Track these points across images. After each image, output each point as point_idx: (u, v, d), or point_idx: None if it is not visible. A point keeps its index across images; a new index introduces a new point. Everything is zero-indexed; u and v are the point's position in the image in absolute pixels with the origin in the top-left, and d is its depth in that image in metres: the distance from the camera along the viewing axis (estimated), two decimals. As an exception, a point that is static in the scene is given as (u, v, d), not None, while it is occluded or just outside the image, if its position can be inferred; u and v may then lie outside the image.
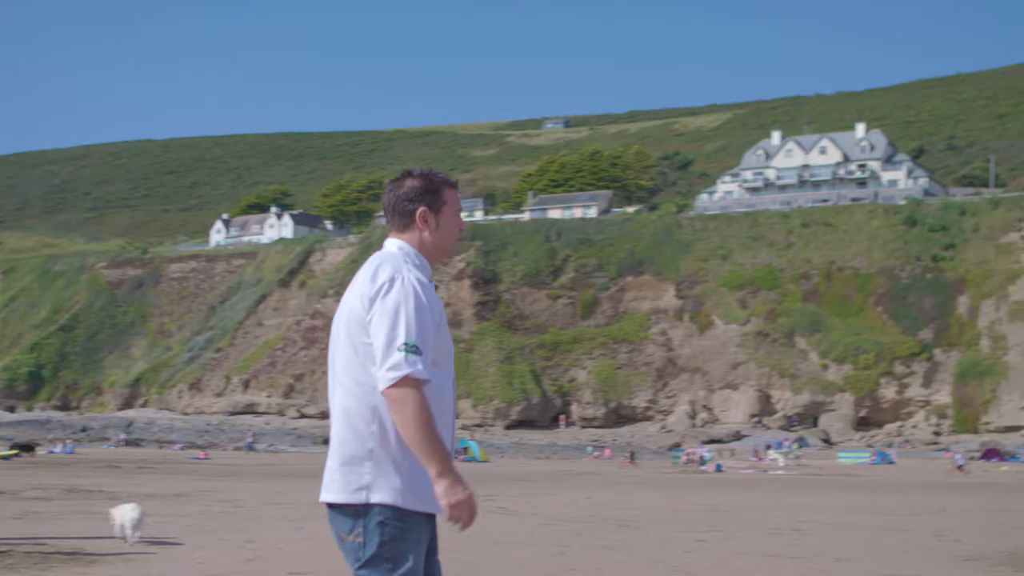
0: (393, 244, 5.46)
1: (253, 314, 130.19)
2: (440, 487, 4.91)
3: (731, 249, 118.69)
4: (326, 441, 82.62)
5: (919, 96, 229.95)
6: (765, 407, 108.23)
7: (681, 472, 53.00)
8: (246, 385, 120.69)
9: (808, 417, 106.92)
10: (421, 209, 5.41)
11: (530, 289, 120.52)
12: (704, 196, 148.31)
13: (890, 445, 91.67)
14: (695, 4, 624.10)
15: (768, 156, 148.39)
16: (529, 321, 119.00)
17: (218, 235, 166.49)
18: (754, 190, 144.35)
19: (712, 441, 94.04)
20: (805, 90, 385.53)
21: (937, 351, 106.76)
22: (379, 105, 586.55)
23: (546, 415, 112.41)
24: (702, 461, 62.36)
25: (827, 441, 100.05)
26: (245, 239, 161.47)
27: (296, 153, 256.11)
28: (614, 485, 38.25)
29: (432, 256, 5.48)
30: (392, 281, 5.12)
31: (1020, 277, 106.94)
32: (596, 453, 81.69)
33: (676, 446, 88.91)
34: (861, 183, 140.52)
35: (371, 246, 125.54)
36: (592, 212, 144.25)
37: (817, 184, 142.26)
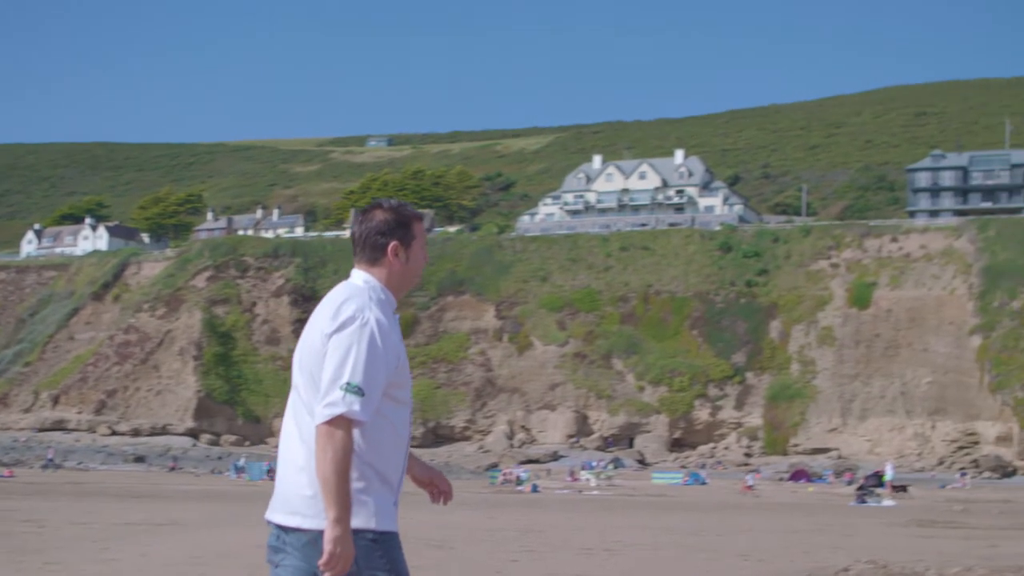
0: (359, 277, 5.54)
1: (64, 328, 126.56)
2: (332, 532, 4.97)
3: (551, 271, 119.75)
4: (139, 459, 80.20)
5: (736, 125, 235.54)
6: (582, 428, 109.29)
7: (497, 492, 53.12)
8: (55, 401, 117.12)
9: (624, 438, 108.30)
10: (393, 243, 5.50)
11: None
12: (525, 218, 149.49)
13: (703, 466, 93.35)
14: (519, 27, 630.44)
15: (589, 180, 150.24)
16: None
17: (29, 246, 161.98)
18: (575, 213, 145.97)
19: (529, 461, 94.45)
20: (626, 116, 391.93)
21: (749, 374, 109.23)
22: (199, 118, 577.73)
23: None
24: (519, 481, 62.49)
25: (642, 462, 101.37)
26: (58, 250, 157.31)
27: (113, 164, 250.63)
28: (430, 505, 38.17)
29: (399, 289, 5.58)
30: (352, 320, 5.20)
31: (829, 303, 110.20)
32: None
33: (493, 466, 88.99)
34: (679, 208, 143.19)
35: (189, 260, 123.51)
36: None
37: (636, 208, 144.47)
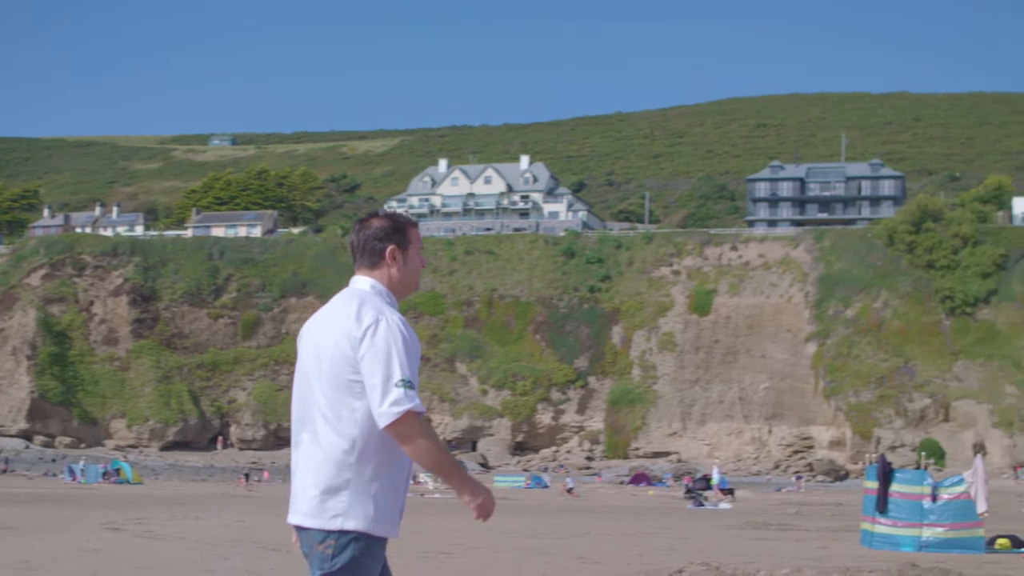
0: (365, 282, 5.83)
1: None
2: (467, 495, 5.54)
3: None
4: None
5: (581, 132, 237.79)
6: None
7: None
8: None
9: (467, 441, 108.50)
10: (390, 248, 5.84)
11: (190, 307, 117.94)
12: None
13: (545, 469, 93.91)
14: (366, 28, 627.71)
15: (434, 183, 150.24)
16: (189, 340, 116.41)
17: None
18: (420, 216, 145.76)
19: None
20: (472, 120, 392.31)
21: (592, 379, 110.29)
22: (37, 112, 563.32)
23: (204, 436, 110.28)
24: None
25: (485, 465, 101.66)
26: None
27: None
28: (270, 508, 37.70)
29: (399, 292, 5.91)
30: (378, 322, 5.52)
31: (670, 310, 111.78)
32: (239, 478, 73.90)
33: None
34: (524, 214, 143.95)
35: (23, 257, 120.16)
36: (257, 232, 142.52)
37: (481, 213, 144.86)
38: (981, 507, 22.40)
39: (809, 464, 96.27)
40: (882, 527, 22.89)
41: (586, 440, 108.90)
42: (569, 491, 57.89)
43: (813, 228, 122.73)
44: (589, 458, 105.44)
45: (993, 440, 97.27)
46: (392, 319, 5.57)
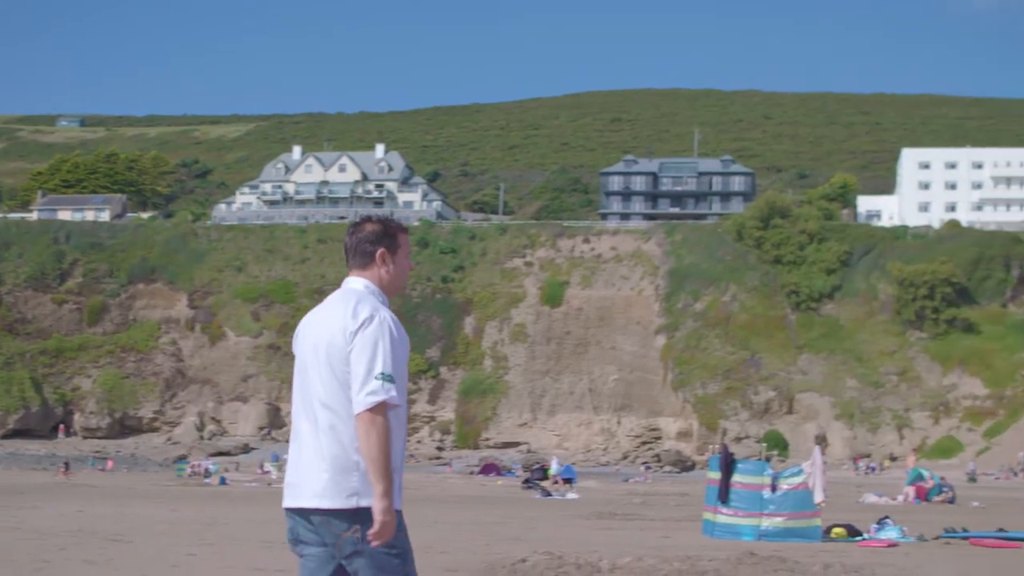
0: (359, 282, 6.31)
1: None
2: (381, 504, 5.83)
3: (246, 261, 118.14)
4: None
5: (437, 122, 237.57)
6: (275, 420, 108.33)
7: (184, 485, 51.90)
8: None
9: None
10: (381, 251, 6.31)
11: (34, 292, 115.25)
12: (222, 206, 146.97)
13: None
14: (220, 11, 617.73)
15: (288, 170, 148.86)
16: (31, 326, 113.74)
17: None
18: (273, 203, 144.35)
19: (220, 454, 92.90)
20: (327, 107, 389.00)
21: (444, 369, 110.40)
22: None
23: (45, 424, 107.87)
24: (207, 474, 61.42)
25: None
26: None
27: None
28: (113, 497, 37.01)
29: (389, 291, 6.36)
30: (371, 318, 6.01)
31: (522, 301, 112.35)
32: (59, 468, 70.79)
33: (182, 458, 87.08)
34: (378, 203, 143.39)
35: None
36: (105, 216, 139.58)
37: (335, 201, 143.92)
38: (818, 497, 22.93)
39: (657, 455, 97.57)
40: (723, 517, 23.29)
41: (437, 430, 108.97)
42: None
43: (665, 222, 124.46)
44: (440, 448, 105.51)
45: (834, 432, 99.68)
46: (384, 316, 6.05)
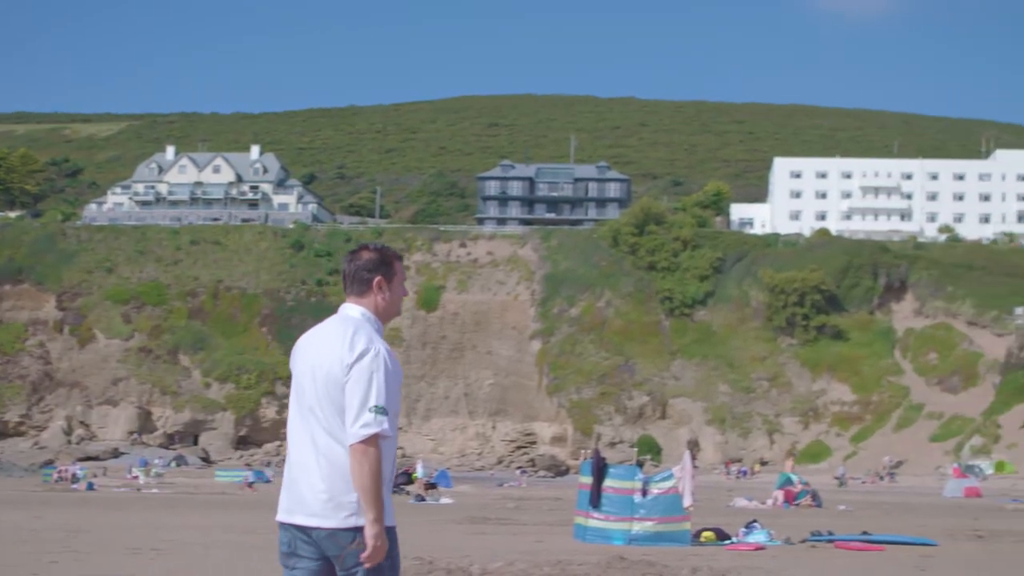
0: (356, 310, 6.51)
1: None
2: (372, 529, 6.12)
3: (117, 262, 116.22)
4: None
5: (313, 124, 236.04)
6: (146, 424, 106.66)
7: (50, 491, 50.88)
8: None
9: (189, 435, 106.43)
10: (378, 278, 6.51)
11: None
12: (93, 206, 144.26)
13: (268, 464, 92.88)
14: (92, 6, 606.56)
15: (161, 170, 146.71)
16: None
17: None
18: (145, 204, 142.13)
19: (88, 458, 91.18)
20: (202, 107, 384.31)
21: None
22: None
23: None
24: (74, 479, 60.21)
25: (207, 459, 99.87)
26: None
27: None
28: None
29: (384, 317, 6.56)
30: (367, 351, 6.20)
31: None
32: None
33: (49, 463, 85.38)
34: (253, 204, 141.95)
35: None
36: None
37: (209, 202, 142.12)
38: (687, 501, 23.14)
39: (532, 459, 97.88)
40: (595, 521, 23.40)
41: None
42: (250, 486, 56.98)
43: (541, 227, 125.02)
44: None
45: (706, 437, 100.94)
46: (380, 349, 6.24)
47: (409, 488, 52.19)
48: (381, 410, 6.12)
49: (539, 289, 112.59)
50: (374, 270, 6.51)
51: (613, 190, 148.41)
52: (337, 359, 6.22)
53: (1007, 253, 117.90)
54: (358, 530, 6.17)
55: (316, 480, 6.26)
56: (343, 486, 6.20)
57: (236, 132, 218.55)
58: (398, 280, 6.61)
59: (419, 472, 58.79)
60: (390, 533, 6.27)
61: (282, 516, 6.39)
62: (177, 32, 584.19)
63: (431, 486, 53.57)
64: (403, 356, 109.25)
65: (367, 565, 6.16)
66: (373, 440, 6.10)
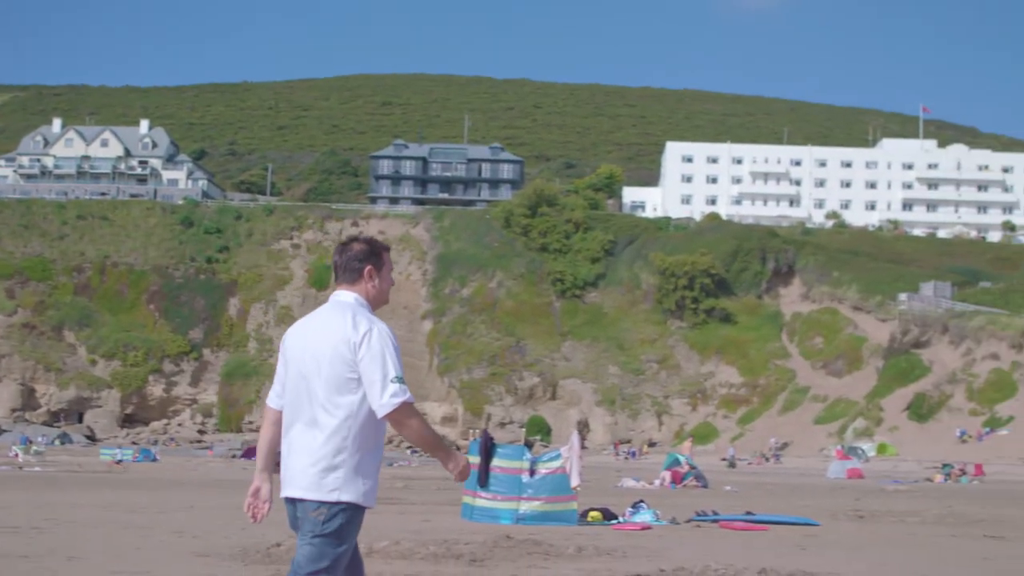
0: (348, 296, 6.84)
1: None
2: (452, 463, 6.95)
3: (1, 236, 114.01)
4: None
5: (204, 99, 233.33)
6: (29, 401, 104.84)
7: (-73, 469, 49.78)
8: None
9: (73, 413, 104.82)
10: (368, 268, 6.88)
11: None
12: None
13: (155, 442, 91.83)
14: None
15: (47, 143, 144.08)
16: None
17: None
18: (30, 177, 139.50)
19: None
20: (90, 80, 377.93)
21: (206, 351, 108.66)
22: None
23: None
24: (-48, 457, 59.12)
25: (91, 437, 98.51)
26: None
27: None
28: None
29: (374, 304, 6.92)
30: (372, 330, 6.59)
31: (288, 283, 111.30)
32: None
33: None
34: (142, 180, 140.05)
35: None
36: None
37: (97, 177, 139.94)
38: (574, 481, 23.27)
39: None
40: (482, 500, 23.46)
41: (199, 413, 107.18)
42: (118, 463, 56.25)
43: (433, 207, 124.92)
44: (201, 431, 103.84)
45: (596, 418, 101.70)
46: (382, 327, 6.65)
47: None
48: (402, 380, 6.66)
49: (431, 269, 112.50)
50: (364, 260, 6.87)
51: (506, 171, 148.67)
52: (342, 340, 6.57)
53: (892, 240, 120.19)
54: (336, 505, 6.51)
55: (307, 456, 6.63)
56: (333, 463, 6.56)
57: (125, 106, 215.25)
58: (387, 270, 6.98)
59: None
60: (357, 513, 6.62)
61: (284, 492, 6.78)
62: (65, 2, 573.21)
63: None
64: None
65: (456, 480, 7.11)
66: (404, 407, 6.62)
